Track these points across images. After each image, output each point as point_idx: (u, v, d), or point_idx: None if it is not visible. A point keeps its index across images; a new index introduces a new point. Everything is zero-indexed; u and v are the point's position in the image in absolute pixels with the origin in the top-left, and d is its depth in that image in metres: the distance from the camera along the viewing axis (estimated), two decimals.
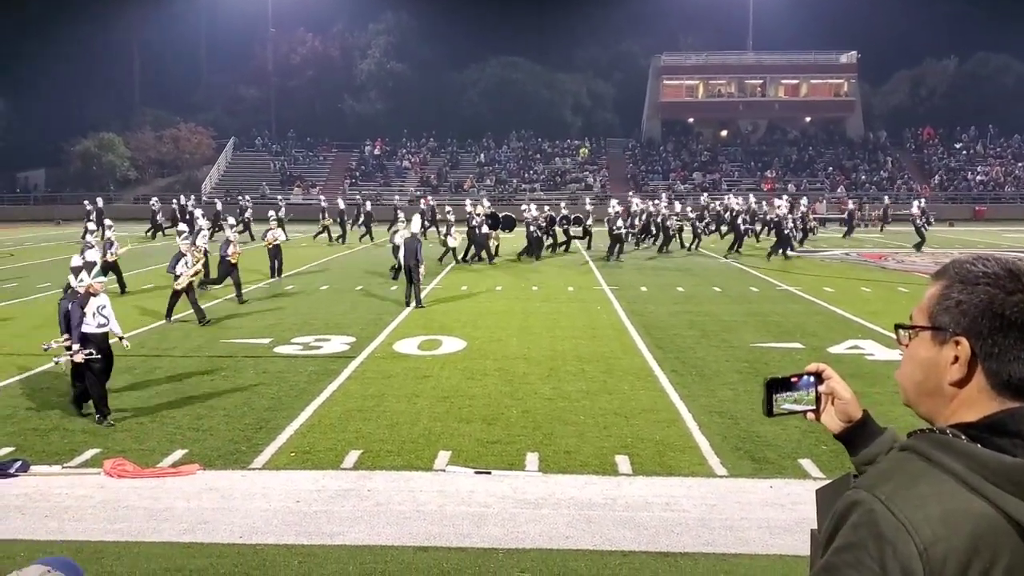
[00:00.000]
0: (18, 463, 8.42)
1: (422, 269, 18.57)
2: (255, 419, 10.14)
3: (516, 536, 6.92)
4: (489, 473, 8.28)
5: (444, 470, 8.41)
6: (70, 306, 10.07)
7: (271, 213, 27.89)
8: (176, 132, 63.84)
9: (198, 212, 32.13)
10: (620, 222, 29.55)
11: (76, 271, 11.01)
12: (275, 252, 23.20)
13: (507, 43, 68.55)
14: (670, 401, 10.94)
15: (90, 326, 10.03)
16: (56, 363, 10.31)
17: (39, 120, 63.18)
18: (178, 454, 8.90)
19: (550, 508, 7.46)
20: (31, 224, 51.86)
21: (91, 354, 9.82)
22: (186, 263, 16.40)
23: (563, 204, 38.63)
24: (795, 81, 67.26)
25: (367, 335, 15.26)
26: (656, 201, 37.14)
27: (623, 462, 8.62)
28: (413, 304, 18.32)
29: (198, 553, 6.62)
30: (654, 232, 34.12)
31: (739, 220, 32.17)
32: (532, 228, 29.73)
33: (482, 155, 64.24)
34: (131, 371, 12.56)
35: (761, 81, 67.14)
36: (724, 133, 68.40)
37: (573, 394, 11.22)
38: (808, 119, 68.00)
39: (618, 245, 29.17)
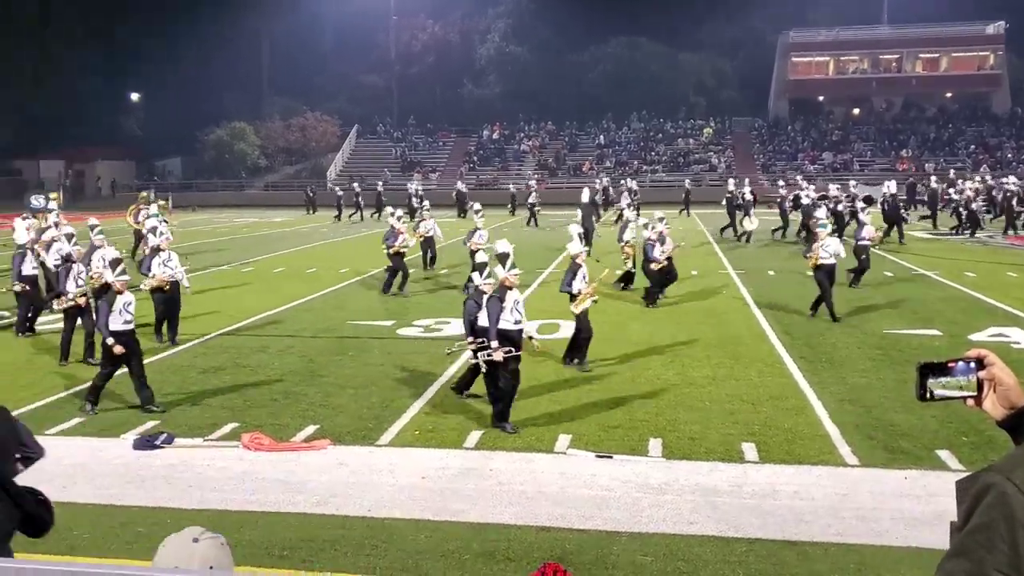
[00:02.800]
0: (163, 436, 8.92)
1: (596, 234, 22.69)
2: (381, 398, 10.42)
3: (639, 520, 6.88)
4: (611, 457, 8.25)
5: (565, 453, 8.43)
6: (487, 302, 9.32)
7: (426, 203, 25.01)
8: (303, 121, 66.02)
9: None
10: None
11: (481, 268, 10.10)
12: (427, 243, 21.56)
13: (628, 23, 67.59)
14: (799, 388, 10.63)
15: (507, 322, 9.26)
16: (476, 362, 9.51)
17: (175, 111, 66.41)
18: (310, 430, 9.24)
19: (674, 494, 7.38)
20: (168, 211, 54.58)
21: (510, 351, 9.16)
22: (583, 278, 12.23)
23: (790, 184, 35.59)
24: (935, 55, 63.75)
25: None
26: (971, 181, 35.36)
27: (750, 449, 8.44)
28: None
29: (330, 524, 6.86)
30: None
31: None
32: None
33: (601, 136, 63.74)
34: (265, 350, 13.11)
35: (897, 56, 63.97)
36: (856, 111, 65.60)
37: (698, 380, 11.04)
38: (948, 95, 64.39)
39: (896, 226, 28.00)
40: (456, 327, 14.70)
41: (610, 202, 41.37)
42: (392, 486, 7.63)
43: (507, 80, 70.03)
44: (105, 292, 12.56)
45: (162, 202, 26.78)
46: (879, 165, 55.68)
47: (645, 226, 17.15)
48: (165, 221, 21.81)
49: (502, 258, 9.70)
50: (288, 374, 11.64)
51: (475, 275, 10.12)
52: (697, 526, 6.77)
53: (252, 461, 8.31)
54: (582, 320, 11.59)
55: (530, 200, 37.10)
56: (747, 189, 31.72)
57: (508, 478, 7.78)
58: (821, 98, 66.29)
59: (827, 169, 55.35)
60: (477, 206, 21.75)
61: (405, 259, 18.57)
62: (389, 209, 20.37)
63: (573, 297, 11.71)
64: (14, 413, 9.95)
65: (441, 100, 69.88)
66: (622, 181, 41.85)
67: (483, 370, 9.43)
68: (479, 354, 9.29)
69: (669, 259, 16.71)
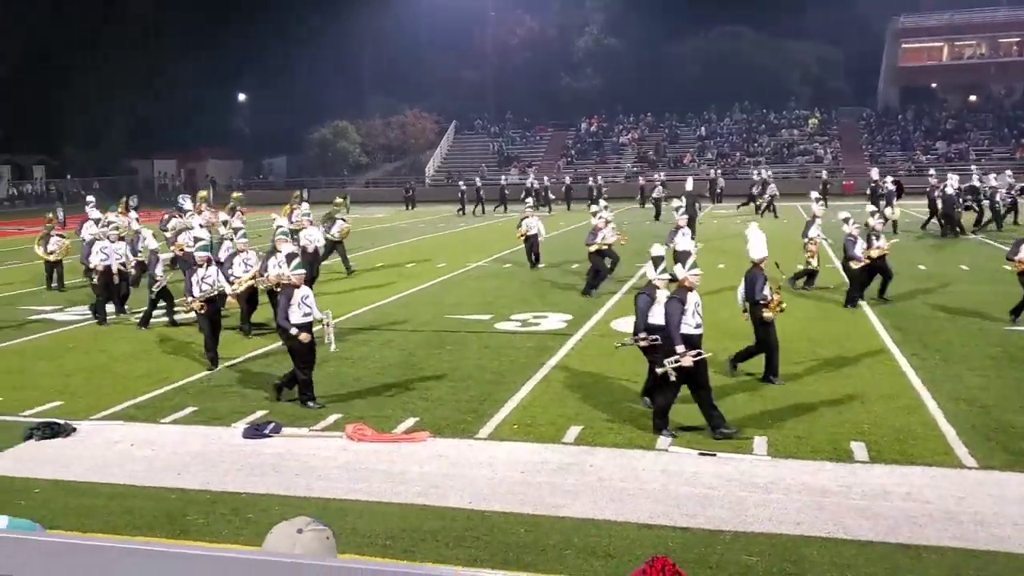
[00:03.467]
0: (271, 425, 9.19)
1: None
2: (479, 391, 10.47)
3: (743, 519, 6.71)
4: (714, 455, 8.08)
5: (667, 450, 8.29)
6: (667, 305, 8.62)
7: (528, 200, 23.49)
8: (403, 118, 67.13)
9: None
10: None
11: (657, 261, 9.36)
12: (530, 241, 20.98)
13: (729, 12, 66.00)
14: (911, 386, 10.20)
15: (688, 326, 8.51)
16: (662, 371, 8.57)
17: (280, 111, 68.41)
18: (410, 422, 9.36)
19: (780, 493, 7.18)
20: (274, 207, 56.27)
21: (700, 354, 8.51)
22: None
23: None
24: None
25: (584, 313, 15.33)
26: None
27: (859, 449, 8.14)
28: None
29: (432, 516, 6.93)
30: None
31: None
32: (963, 201, 27.03)
33: (702, 128, 62.63)
34: (367, 344, 13.35)
35: (1018, 39, 60.67)
36: (972, 98, 62.54)
37: (804, 376, 10.71)
38: None
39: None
40: (553, 322, 14.70)
41: (722, 193, 42.20)
42: (491, 479, 7.66)
43: (605, 73, 69.47)
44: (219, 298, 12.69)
45: (339, 199, 26.85)
46: (998, 154, 53.01)
47: (846, 220, 15.68)
48: (343, 219, 21.71)
49: (682, 256, 8.93)
50: (389, 367, 11.82)
51: (648, 267, 9.45)
52: (804, 526, 6.56)
53: (355, 451, 8.47)
54: (769, 331, 10.39)
55: (655, 194, 36.62)
56: (889, 179, 30.66)
57: (608, 474, 7.71)
58: (934, 85, 63.49)
59: (941, 159, 53.00)
60: (676, 202, 20.48)
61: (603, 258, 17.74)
62: (594, 207, 19.17)
63: (756, 305, 10.29)
64: (131, 403, 10.41)
65: (538, 94, 69.78)
66: (761, 172, 40.65)
67: (672, 378, 8.50)
68: (666, 362, 8.42)
69: (882, 256, 15.37)
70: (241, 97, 75.45)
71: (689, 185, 27.83)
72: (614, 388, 10.44)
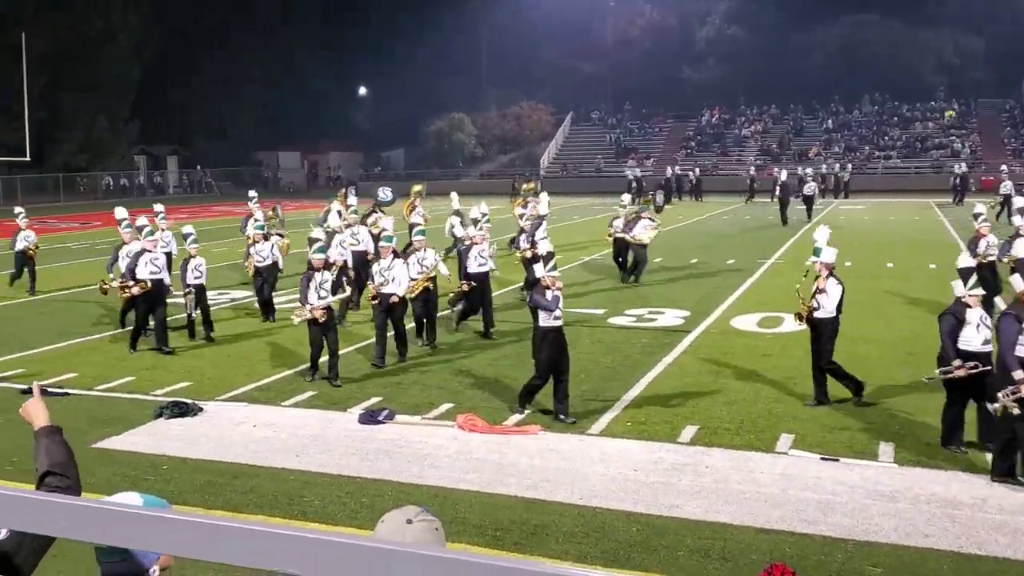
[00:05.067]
0: (385, 412, 9.35)
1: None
2: (592, 387, 10.37)
3: (867, 528, 6.41)
4: (837, 460, 7.75)
5: (787, 453, 8.01)
6: (1001, 321, 7.63)
7: (625, 198, 20.84)
8: (518, 110, 67.37)
9: None
10: None
11: (965, 275, 8.45)
12: (620, 245, 18.80)
13: (858, 0, 63.47)
14: None
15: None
16: (995, 406, 7.36)
17: (399, 104, 69.71)
18: (521, 414, 9.33)
19: (907, 503, 6.83)
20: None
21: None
22: None
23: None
24: None
25: (702, 309, 15.00)
26: None
27: None
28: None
29: (541, 510, 6.88)
30: None
31: None
32: None
33: (829, 120, 60.34)
34: (479, 336, 13.41)
35: None
36: None
37: (935, 383, 10.14)
38: None
39: None
40: (669, 318, 14.43)
41: (848, 187, 43.80)
42: (603, 476, 7.56)
43: (727, 63, 67.82)
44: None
45: (650, 196, 23.32)
46: None
47: None
48: (650, 219, 18.64)
49: (1021, 267, 7.87)
50: (501, 359, 11.85)
51: (957, 283, 8.38)
52: (933, 539, 6.22)
53: (466, 440, 8.51)
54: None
55: (805, 191, 34.83)
56: None
57: (724, 476, 7.50)
58: None
59: None
60: (979, 208, 15.99)
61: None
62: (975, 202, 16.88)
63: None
64: (254, 385, 10.67)
65: (657, 85, 68.71)
66: (1002, 170, 37.04)
67: (1016, 411, 7.02)
68: (1000, 395, 7.12)
69: None
70: (362, 91, 77.30)
71: (783, 176, 31.19)
72: (732, 388, 10.16)
